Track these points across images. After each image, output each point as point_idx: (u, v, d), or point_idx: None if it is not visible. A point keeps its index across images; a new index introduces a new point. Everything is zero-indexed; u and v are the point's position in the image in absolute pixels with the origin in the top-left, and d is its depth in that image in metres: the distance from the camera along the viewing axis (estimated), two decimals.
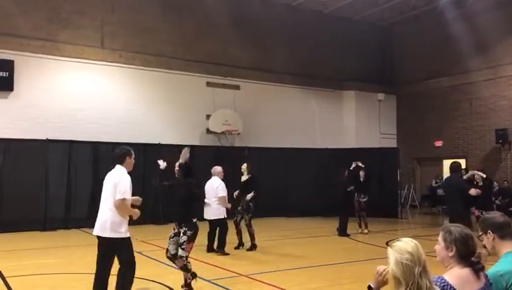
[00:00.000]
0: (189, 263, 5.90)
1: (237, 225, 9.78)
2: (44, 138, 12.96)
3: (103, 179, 14.63)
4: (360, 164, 12.22)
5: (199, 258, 8.62)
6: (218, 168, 9.48)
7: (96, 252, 5.34)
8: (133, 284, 5.38)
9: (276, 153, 16.38)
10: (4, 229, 11.92)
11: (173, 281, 6.47)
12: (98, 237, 5.22)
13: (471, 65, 17.67)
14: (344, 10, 18.75)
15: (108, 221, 5.06)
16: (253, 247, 9.61)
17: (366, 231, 12.15)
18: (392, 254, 2.22)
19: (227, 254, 9.21)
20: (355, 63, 19.28)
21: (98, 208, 13.94)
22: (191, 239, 5.87)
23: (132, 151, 5.38)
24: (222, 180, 9.38)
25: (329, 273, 7.66)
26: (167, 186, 6.40)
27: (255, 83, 17.20)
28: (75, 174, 13.40)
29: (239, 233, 9.80)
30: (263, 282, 6.87)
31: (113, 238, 5.06)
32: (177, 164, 6.23)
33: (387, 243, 10.56)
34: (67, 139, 13.36)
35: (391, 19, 19.97)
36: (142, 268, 6.02)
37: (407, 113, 20.15)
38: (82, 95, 14.04)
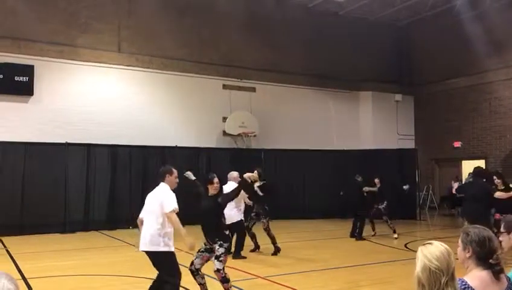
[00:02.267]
0: (226, 273, 5.85)
1: (249, 230, 9.74)
2: (64, 142, 13.14)
3: (121, 182, 14.86)
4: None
5: None
6: (234, 173, 9.42)
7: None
8: (146, 285, 5.46)
9: (292, 155, 16.35)
10: (25, 231, 12.14)
11: (187, 282, 6.48)
12: (145, 251, 5.42)
13: (490, 65, 17.41)
14: (360, 11, 18.66)
15: (148, 236, 5.28)
16: (277, 250, 9.52)
17: (395, 235, 11.77)
18: (421, 258, 2.18)
19: (245, 258, 9.20)
20: (372, 63, 19.16)
21: (116, 210, 14.16)
22: (228, 251, 5.89)
23: (174, 170, 5.58)
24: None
25: (347, 276, 7.62)
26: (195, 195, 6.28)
27: (271, 85, 17.20)
28: (93, 177, 13.58)
29: (253, 237, 9.79)
30: (281, 284, 6.85)
31: (153, 251, 5.27)
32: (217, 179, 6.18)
33: (405, 245, 10.47)
34: (86, 142, 13.53)
35: (408, 19, 19.81)
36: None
37: (425, 113, 19.94)
38: (100, 99, 14.21)
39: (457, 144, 18.84)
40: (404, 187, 12.64)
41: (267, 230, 9.59)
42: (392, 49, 20.27)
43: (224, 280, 5.80)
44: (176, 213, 5.24)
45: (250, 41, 16.84)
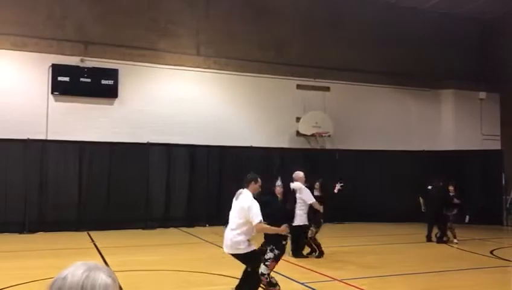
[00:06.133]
0: (272, 278, 5.89)
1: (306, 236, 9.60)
2: (145, 142, 13.78)
3: (199, 181, 15.27)
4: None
5: (292, 260, 8.66)
6: (300, 174, 9.28)
7: None
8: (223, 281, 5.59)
9: (368, 156, 15.97)
10: (110, 226, 12.86)
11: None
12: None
13: None
14: (441, 5, 17.84)
15: (229, 239, 5.65)
16: (321, 254, 9.37)
17: (455, 240, 11.40)
18: None
19: (307, 257, 9.22)
20: (454, 60, 18.24)
21: (194, 208, 14.64)
22: (277, 258, 5.89)
23: (259, 179, 5.89)
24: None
25: (428, 282, 7.32)
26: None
27: (346, 84, 16.91)
28: (173, 176, 14.11)
29: (309, 242, 9.62)
30: (358, 288, 6.72)
31: (236, 254, 5.66)
32: (279, 183, 6.29)
33: (491, 252, 9.87)
34: (166, 142, 14.08)
35: (493, 13, 18.64)
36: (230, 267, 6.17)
37: None
38: (179, 101, 14.69)
39: None
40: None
41: (313, 239, 9.42)
42: (476, 44, 19.16)
43: (270, 284, 5.84)
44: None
45: (324, 40, 16.66)
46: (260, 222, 5.45)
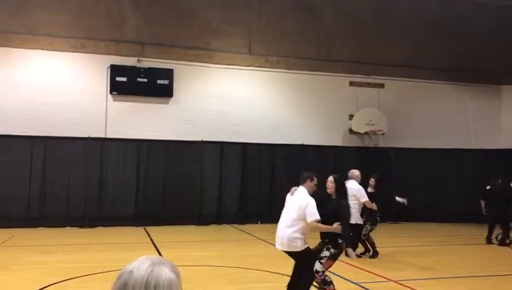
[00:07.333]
0: (327, 276, 5.78)
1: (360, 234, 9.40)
2: (200, 140, 14.03)
3: (250, 178, 15.35)
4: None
5: (346, 260, 8.55)
6: (356, 172, 9.15)
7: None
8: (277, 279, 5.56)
9: (424, 154, 15.51)
10: (165, 222, 13.22)
11: None
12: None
13: None
14: None
15: (286, 237, 5.56)
16: (375, 254, 9.19)
17: None
18: None
19: (360, 257, 9.10)
20: None
21: (246, 205, 14.70)
22: (333, 258, 5.74)
23: (315, 178, 5.84)
24: (360, 184, 9.10)
25: (495, 286, 6.99)
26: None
27: (400, 81, 16.47)
28: (226, 173, 14.31)
29: (363, 240, 9.43)
30: None
31: (292, 252, 5.59)
32: (330, 178, 6.06)
33: None
34: (219, 140, 14.29)
35: None
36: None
37: None
38: (231, 99, 14.85)
39: None
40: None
41: (367, 236, 9.26)
42: None
43: (324, 283, 5.70)
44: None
45: (379, 36, 16.28)
46: (315, 220, 5.39)
